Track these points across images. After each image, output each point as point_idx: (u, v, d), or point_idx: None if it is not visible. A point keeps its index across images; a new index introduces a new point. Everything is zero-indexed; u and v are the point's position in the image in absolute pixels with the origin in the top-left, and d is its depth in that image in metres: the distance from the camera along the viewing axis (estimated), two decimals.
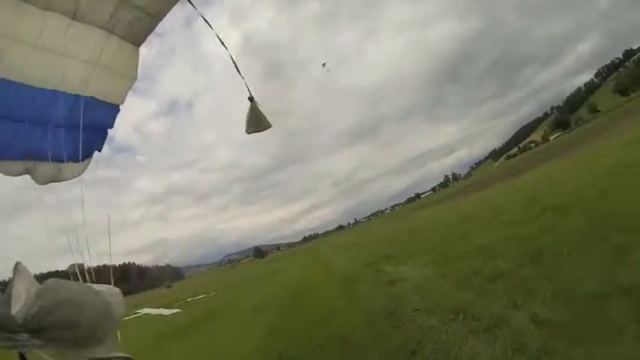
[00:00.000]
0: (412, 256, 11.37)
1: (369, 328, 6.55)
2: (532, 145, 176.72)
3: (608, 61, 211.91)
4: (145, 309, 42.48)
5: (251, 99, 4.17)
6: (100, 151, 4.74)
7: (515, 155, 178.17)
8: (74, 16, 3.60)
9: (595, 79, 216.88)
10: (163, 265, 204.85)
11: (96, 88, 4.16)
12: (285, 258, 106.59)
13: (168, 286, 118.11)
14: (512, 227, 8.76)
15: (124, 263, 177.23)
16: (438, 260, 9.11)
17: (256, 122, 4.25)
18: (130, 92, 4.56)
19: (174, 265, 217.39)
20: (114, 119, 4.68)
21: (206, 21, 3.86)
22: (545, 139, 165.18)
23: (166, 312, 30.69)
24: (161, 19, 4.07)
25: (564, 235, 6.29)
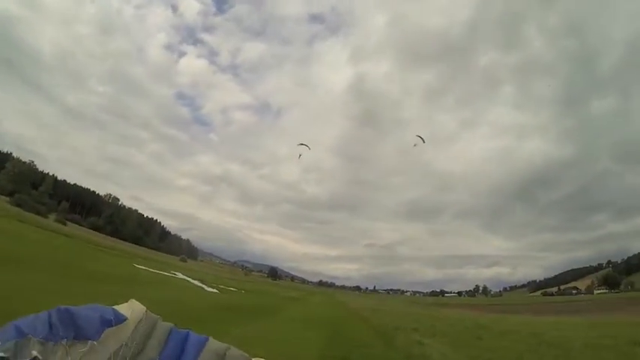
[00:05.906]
0: (435, 335, 15.37)
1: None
2: (574, 292, 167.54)
3: None
4: (179, 274, 43.83)
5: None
6: None
7: (552, 294, 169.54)
8: None
9: None
10: (184, 238, 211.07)
11: None
12: (303, 290, 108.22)
13: (184, 260, 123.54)
14: (519, 343, 12.80)
15: (151, 218, 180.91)
16: (456, 345, 13.29)
17: None
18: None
19: (193, 244, 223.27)
20: None
21: None
22: (589, 290, 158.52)
23: (207, 288, 32.26)
24: None
25: None
